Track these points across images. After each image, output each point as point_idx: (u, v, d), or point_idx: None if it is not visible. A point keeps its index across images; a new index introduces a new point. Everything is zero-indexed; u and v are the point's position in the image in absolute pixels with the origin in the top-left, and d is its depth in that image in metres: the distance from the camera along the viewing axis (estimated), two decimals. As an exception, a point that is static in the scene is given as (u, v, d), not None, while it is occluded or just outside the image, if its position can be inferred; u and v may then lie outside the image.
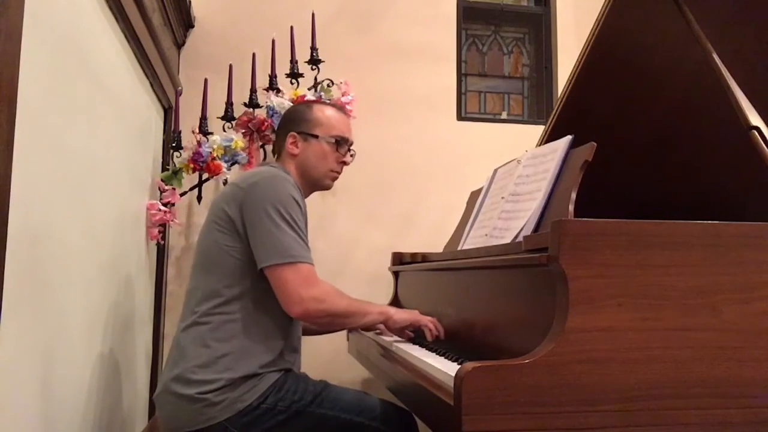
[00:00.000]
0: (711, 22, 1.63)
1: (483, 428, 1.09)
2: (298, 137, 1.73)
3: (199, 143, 2.44)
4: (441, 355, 1.53)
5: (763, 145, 1.45)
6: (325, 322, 1.62)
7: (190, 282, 1.63)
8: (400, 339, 1.79)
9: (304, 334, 1.73)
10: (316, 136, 1.73)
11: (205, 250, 1.61)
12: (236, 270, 1.54)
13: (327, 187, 1.81)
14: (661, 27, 1.76)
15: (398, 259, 2.37)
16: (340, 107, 1.88)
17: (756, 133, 1.46)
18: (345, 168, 1.80)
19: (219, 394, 1.45)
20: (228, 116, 2.56)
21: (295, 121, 1.77)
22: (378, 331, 1.87)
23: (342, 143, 1.76)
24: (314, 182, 1.77)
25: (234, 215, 1.55)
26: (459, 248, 1.91)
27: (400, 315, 1.73)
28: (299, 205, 1.57)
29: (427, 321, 1.71)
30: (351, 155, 1.82)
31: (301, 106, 1.87)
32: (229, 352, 1.48)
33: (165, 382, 1.51)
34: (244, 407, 1.45)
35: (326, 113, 1.78)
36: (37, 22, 1.21)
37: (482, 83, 3.29)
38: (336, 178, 1.80)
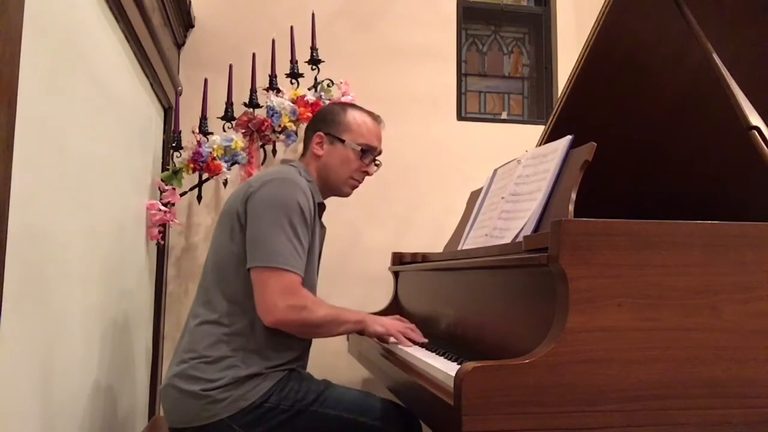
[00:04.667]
0: (711, 22, 1.63)
1: (483, 428, 1.08)
2: (324, 138, 1.71)
3: (199, 143, 2.45)
4: (441, 355, 1.53)
5: (763, 145, 1.45)
6: (299, 332, 1.54)
7: (202, 277, 1.62)
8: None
9: None
10: (343, 141, 1.70)
11: (216, 249, 1.60)
12: (242, 270, 1.52)
13: (344, 194, 1.78)
14: (661, 27, 1.76)
15: (398, 259, 2.36)
16: (376, 115, 1.79)
17: (756, 133, 1.46)
18: None
19: (223, 391, 1.45)
20: (228, 116, 2.56)
21: (326, 121, 1.73)
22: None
23: (367, 153, 1.72)
24: (332, 187, 1.74)
25: (240, 211, 1.54)
26: (459, 248, 1.91)
27: (376, 327, 1.64)
28: (303, 213, 1.53)
29: (402, 336, 1.65)
30: (376, 165, 1.77)
31: (335, 106, 1.82)
32: (236, 353, 1.49)
33: (170, 377, 1.51)
34: (247, 405, 1.46)
35: (358, 119, 1.73)
36: (37, 23, 1.21)
37: (482, 83, 3.29)
38: (355, 186, 1.77)
